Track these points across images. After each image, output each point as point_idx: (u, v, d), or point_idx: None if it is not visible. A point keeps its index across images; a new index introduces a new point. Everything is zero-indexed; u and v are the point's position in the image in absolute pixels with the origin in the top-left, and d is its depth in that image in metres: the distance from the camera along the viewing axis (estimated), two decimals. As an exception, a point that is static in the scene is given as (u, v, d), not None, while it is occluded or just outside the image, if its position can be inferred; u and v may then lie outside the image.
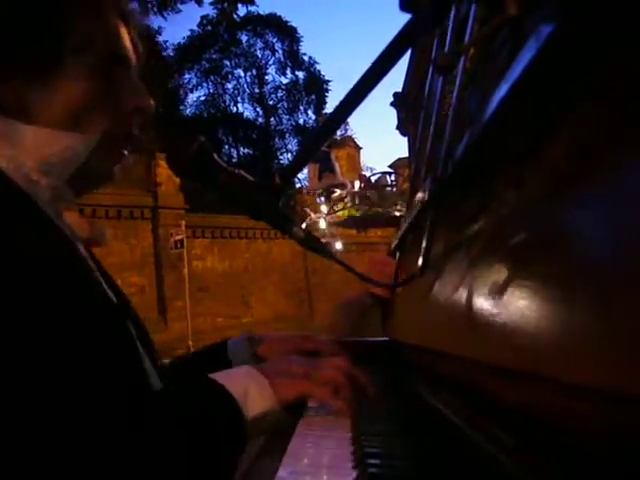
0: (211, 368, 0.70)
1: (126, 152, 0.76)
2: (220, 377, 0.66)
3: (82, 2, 0.70)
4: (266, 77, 27.80)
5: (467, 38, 0.84)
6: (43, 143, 0.66)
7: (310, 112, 27.60)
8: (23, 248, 0.56)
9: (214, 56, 26.42)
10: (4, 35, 0.65)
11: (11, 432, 0.47)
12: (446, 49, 1.02)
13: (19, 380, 0.49)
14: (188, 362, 1.02)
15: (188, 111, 25.61)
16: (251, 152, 26.72)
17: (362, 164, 24.35)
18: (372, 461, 0.55)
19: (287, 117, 27.78)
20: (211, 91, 26.69)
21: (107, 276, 0.78)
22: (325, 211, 10.68)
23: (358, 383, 0.76)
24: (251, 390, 0.65)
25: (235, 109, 27.21)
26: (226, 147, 25.92)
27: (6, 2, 0.65)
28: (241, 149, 26.77)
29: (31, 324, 0.52)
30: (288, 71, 27.56)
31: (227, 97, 27.04)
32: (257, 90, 27.44)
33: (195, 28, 25.39)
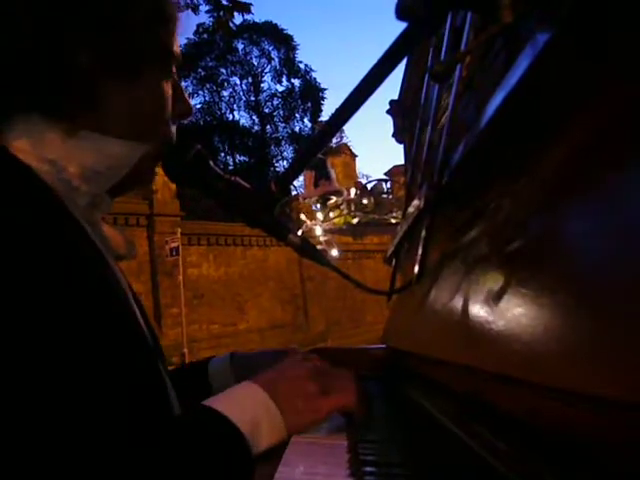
0: (190, 388, 0.67)
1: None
2: (228, 405, 0.60)
3: (159, 8, 0.68)
4: (262, 85, 27.90)
5: (463, 46, 0.84)
6: (92, 148, 0.64)
7: (306, 120, 27.70)
8: (49, 257, 0.53)
9: (210, 64, 26.49)
10: (108, 38, 0.62)
11: (27, 440, 0.46)
12: (442, 57, 1.03)
13: (43, 392, 0.47)
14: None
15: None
16: (247, 160, 26.75)
17: (357, 172, 24.44)
18: (369, 469, 0.54)
19: (283, 125, 27.86)
20: (207, 99, 26.76)
21: (130, 288, 0.74)
22: (321, 218, 10.67)
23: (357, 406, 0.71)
24: (262, 425, 0.60)
25: (231, 117, 27.27)
26: (222, 155, 25.95)
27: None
28: (237, 157, 26.81)
29: (49, 335, 0.49)
30: (284, 79, 27.68)
31: (223, 105, 27.10)
32: (253, 98, 27.51)
33: (191, 36, 25.48)
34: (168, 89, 0.70)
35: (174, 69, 0.72)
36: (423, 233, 1.01)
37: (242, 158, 26.88)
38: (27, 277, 0.50)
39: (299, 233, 0.82)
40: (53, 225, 0.57)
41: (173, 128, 0.74)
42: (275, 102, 27.91)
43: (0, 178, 0.55)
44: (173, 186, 11.12)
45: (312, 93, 27.37)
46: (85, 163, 0.64)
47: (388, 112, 2.75)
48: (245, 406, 0.61)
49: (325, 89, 27.80)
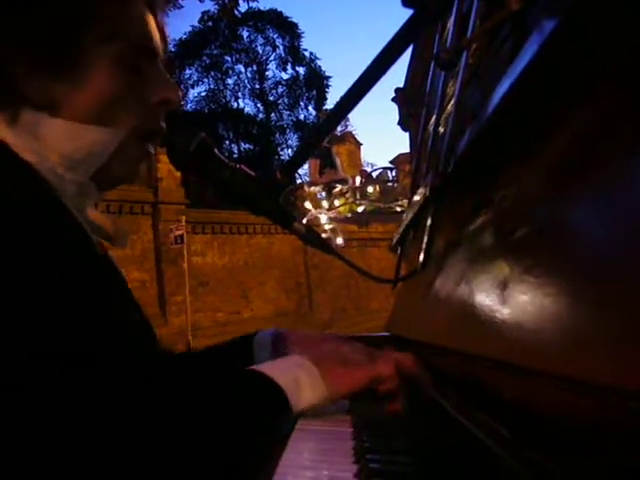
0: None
1: (151, 149, 0.74)
2: (270, 367, 0.62)
3: None
4: (267, 73, 27.75)
5: (469, 33, 0.83)
6: (67, 137, 0.65)
7: (311, 108, 27.56)
8: (39, 239, 0.54)
9: (215, 52, 26.36)
10: (27, 21, 0.63)
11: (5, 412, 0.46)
12: (448, 44, 1.02)
13: (15, 367, 0.47)
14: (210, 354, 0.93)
15: (189, 107, 25.49)
16: (252, 148, 26.67)
17: (363, 160, 24.37)
18: (373, 456, 0.55)
19: (288, 113, 27.74)
20: (212, 87, 26.64)
21: (121, 277, 0.76)
22: (326, 206, 10.65)
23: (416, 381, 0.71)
24: (303, 385, 0.62)
25: (236, 105, 27.16)
26: (227, 142, 25.88)
27: None
28: (242, 145, 26.73)
29: (32, 314, 0.49)
30: (289, 67, 27.52)
31: (228, 93, 26.98)
32: (258, 86, 27.39)
33: (196, 24, 25.35)
34: (123, 75, 0.68)
35: (146, 54, 0.71)
36: (428, 221, 1.00)
37: (247, 146, 26.80)
38: (23, 268, 0.51)
39: (304, 221, 0.82)
40: (50, 213, 0.58)
41: (160, 114, 0.73)
42: (280, 90, 27.79)
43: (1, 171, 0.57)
44: (178, 174, 11.11)
45: (317, 81, 27.23)
46: (66, 152, 0.65)
47: (393, 100, 2.73)
48: (286, 368, 0.64)
49: (330, 77, 27.64)
